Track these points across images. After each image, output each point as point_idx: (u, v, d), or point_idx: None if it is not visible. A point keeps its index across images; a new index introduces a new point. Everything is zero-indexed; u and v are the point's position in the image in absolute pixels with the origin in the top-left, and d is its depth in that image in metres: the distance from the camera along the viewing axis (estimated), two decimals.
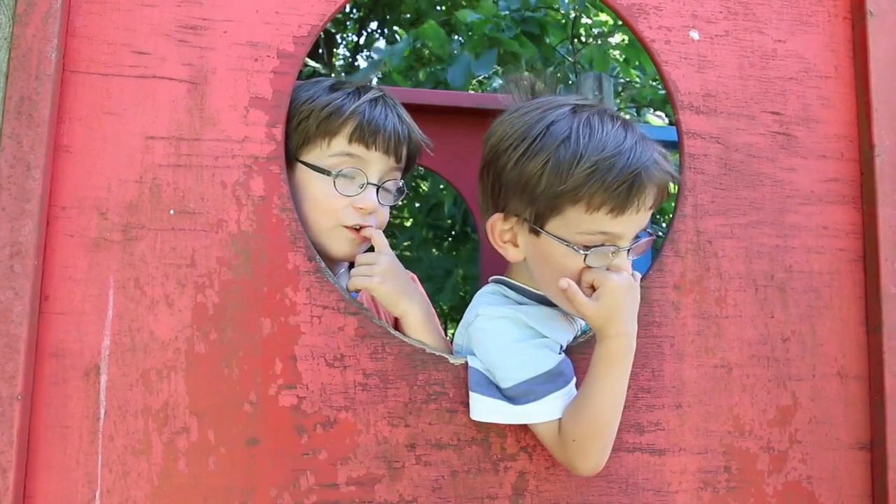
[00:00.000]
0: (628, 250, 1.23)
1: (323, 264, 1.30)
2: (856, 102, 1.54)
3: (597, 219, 1.19)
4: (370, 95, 1.45)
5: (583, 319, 1.27)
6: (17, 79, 1.22)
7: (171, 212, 1.27)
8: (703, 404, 1.40)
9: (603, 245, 1.21)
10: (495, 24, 3.78)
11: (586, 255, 1.20)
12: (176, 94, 1.29)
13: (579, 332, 1.38)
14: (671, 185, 1.28)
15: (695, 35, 1.50)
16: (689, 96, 1.48)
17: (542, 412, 1.23)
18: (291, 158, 1.42)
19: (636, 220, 1.22)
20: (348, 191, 1.41)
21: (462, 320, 1.36)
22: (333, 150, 1.41)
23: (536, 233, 1.24)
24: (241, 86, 1.31)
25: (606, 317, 1.20)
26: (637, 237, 1.25)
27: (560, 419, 1.23)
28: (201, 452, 1.23)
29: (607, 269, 1.21)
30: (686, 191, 1.45)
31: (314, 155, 1.42)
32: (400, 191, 1.51)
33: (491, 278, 1.40)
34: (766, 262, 1.46)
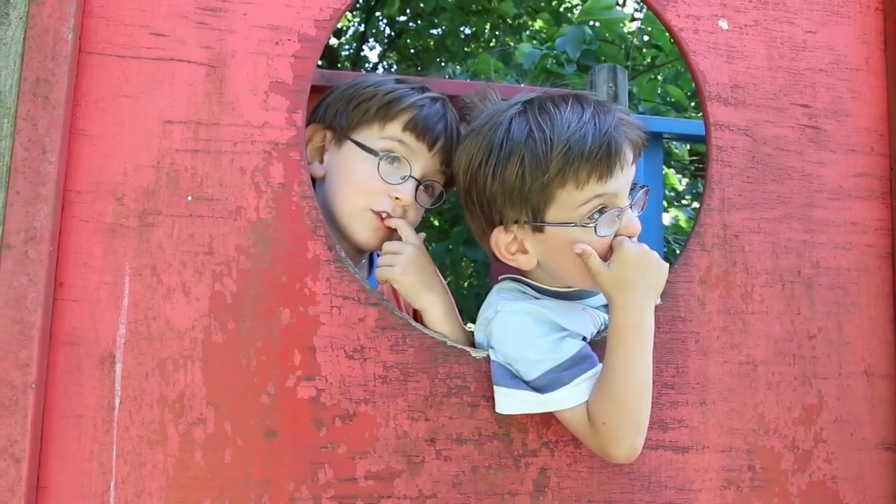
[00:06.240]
0: (631, 206, 1.26)
1: (343, 254, 1.27)
2: (887, 96, 1.51)
3: (588, 189, 1.21)
4: (432, 94, 1.49)
5: (598, 287, 1.26)
6: (33, 59, 1.18)
7: (189, 198, 1.24)
8: (727, 401, 1.37)
9: (604, 208, 1.22)
10: (556, 58, 3.81)
11: (596, 226, 1.22)
12: (194, 77, 1.26)
13: (602, 327, 1.36)
14: (642, 136, 1.30)
15: (724, 24, 1.47)
16: (717, 87, 1.45)
17: (570, 396, 1.21)
18: (342, 136, 1.46)
19: (624, 178, 1.24)
20: (390, 178, 1.42)
21: (479, 318, 1.34)
22: (386, 134, 1.44)
23: (541, 229, 1.25)
24: (261, 70, 1.28)
25: (616, 286, 1.20)
26: (631, 194, 1.27)
27: (588, 402, 1.21)
28: (218, 444, 1.20)
29: (623, 237, 1.23)
30: (713, 184, 1.42)
31: (366, 135, 1.45)
32: (439, 196, 1.51)
33: (503, 276, 1.39)
34: (794, 258, 1.43)
